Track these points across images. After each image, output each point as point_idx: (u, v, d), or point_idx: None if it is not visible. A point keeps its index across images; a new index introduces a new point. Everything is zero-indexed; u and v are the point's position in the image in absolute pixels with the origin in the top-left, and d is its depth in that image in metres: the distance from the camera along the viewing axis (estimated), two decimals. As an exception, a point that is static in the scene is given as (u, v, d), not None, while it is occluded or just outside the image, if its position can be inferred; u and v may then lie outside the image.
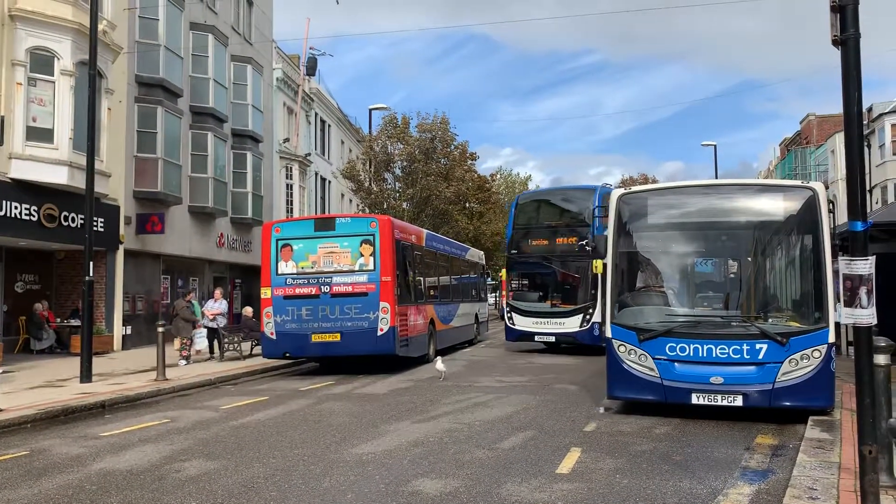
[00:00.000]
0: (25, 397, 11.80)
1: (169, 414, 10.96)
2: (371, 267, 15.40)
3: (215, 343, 18.71)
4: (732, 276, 11.18)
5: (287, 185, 32.84)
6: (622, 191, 10.86)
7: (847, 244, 5.57)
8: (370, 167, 34.42)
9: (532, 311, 20.17)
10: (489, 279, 26.54)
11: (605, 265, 17.61)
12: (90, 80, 14.50)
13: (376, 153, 33.75)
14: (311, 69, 34.92)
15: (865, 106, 40.94)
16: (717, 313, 10.27)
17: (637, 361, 9.86)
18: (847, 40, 5.14)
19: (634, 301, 10.65)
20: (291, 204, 32.85)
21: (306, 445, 8.45)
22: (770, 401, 9.25)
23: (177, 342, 17.70)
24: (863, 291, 5.07)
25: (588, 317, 19.11)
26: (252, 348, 18.92)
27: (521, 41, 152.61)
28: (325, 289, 15.42)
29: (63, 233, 18.45)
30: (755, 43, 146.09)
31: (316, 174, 36.59)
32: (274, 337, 15.60)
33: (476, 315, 24.86)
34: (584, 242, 19.18)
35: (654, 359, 9.72)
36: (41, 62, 17.45)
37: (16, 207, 17.02)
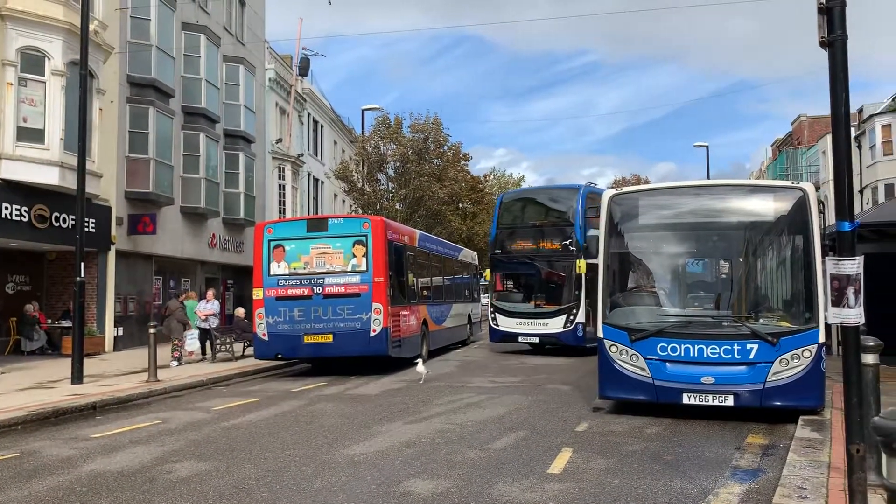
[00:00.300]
0: (16, 399, 11.76)
1: (160, 415, 10.93)
2: (364, 268, 15.39)
3: (207, 344, 18.66)
4: (723, 276, 11.23)
5: (279, 185, 32.78)
6: (613, 191, 10.88)
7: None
8: (363, 168, 34.39)
9: (516, 311, 19.93)
10: (482, 279, 26.42)
11: (589, 265, 17.82)
12: (81, 80, 14.45)
13: (369, 154, 33.74)
14: (304, 69, 34.88)
15: (856, 107, 41.16)
16: (708, 313, 10.32)
17: (628, 361, 9.89)
18: (834, 42, 5.18)
19: (626, 301, 10.68)
20: (284, 205, 32.80)
21: (298, 446, 8.45)
22: (761, 401, 9.29)
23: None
24: (850, 291, 5.10)
25: (572, 317, 18.87)
26: (244, 349, 18.87)
27: (515, 42, 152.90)
28: (318, 290, 15.39)
29: (54, 233, 18.38)
30: (748, 44, 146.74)
31: (308, 175, 36.55)
32: (266, 338, 15.56)
33: (469, 315, 24.87)
34: (568, 242, 19.07)
35: (645, 359, 9.75)
36: (32, 62, 17.39)
37: (6, 208, 16.95)
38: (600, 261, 10.50)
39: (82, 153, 14.23)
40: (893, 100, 38.20)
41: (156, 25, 22.42)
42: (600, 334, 10.27)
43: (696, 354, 9.50)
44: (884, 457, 3.20)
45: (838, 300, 5.14)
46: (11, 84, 16.97)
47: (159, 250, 23.45)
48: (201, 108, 25.12)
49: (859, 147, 38.84)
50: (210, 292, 19.69)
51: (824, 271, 6.38)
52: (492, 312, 20.39)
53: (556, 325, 19.07)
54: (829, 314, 5.27)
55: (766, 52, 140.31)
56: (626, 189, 11.31)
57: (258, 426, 9.84)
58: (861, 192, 38.02)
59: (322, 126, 40.42)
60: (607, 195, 10.69)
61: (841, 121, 5.21)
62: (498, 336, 20.23)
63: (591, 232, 18.68)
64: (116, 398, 12.17)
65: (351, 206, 37.15)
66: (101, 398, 11.95)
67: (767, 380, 9.21)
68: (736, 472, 7.14)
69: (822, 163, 44.23)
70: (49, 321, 20.42)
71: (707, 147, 43.91)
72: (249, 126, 28.75)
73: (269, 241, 15.81)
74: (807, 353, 9.15)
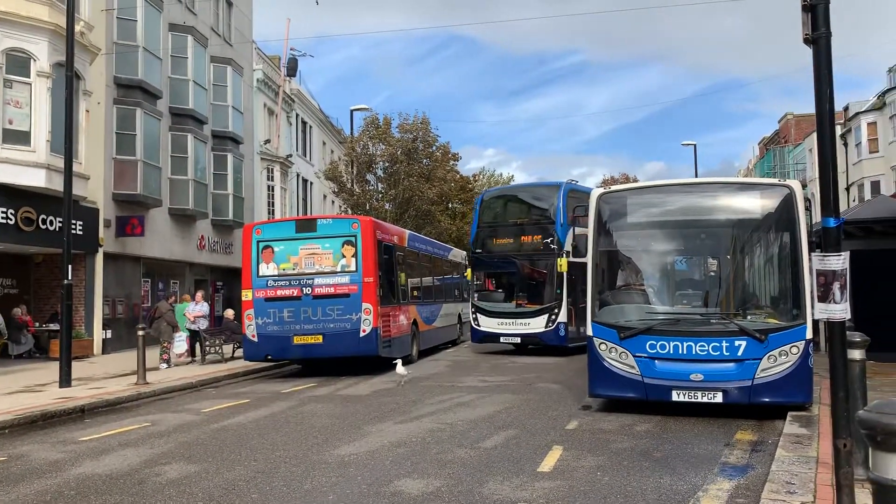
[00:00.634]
0: (3, 402, 11.67)
1: (149, 417, 10.88)
2: (353, 268, 15.37)
3: (197, 346, 18.59)
4: (712, 273, 11.28)
5: (268, 186, 32.68)
6: (602, 190, 10.93)
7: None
8: (352, 168, 34.35)
9: (497, 311, 19.60)
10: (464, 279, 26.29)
11: (571, 264, 17.81)
12: (67, 81, 14.36)
13: (358, 154, 33.70)
14: (292, 70, 34.80)
15: (841, 105, 41.27)
16: (697, 311, 10.35)
17: (618, 359, 9.92)
18: (818, 39, 5.21)
19: (615, 299, 10.72)
20: (273, 205, 32.70)
21: (288, 447, 8.43)
22: (749, 397, 9.34)
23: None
24: (836, 287, 5.13)
25: (554, 317, 18.55)
26: (234, 351, 18.82)
27: (504, 42, 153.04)
28: (307, 290, 15.36)
29: (41, 236, 18.26)
30: (735, 43, 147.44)
31: (297, 175, 36.46)
32: (255, 339, 15.52)
33: (459, 315, 24.87)
34: (549, 240, 18.81)
35: (634, 356, 9.79)
36: (17, 63, 17.26)
37: (-8, 211, 16.83)
38: (589, 259, 10.54)
39: (69, 155, 14.14)
40: (879, 97, 38.47)
41: (142, 26, 22.31)
42: (589, 332, 10.30)
43: (685, 352, 9.54)
44: (870, 450, 3.23)
45: (824, 296, 5.18)
46: (-4, 86, 16.85)
47: (148, 252, 23.33)
48: (189, 109, 25.00)
49: (845, 145, 39.11)
50: (199, 294, 19.62)
51: (811, 268, 6.43)
52: (473, 312, 20.09)
53: (537, 325, 18.78)
54: (816, 310, 5.30)
55: (754, 51, 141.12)
56: (614, 188, 11.35)
57: (248, 428, 9.81)
58: (847, 189, 38.30)
59: (311, 127, 40.34)
60: (595, 194, 10.73)
61: (825, 117, 5.25)
62: (479, 336, 19.97)
63: (573, 230, 18.54)
64: (105, 401, 12.10)
65: (340, 206, 37.10)
66: (89, 401, 11.88)
67: (756, 376, 9.27)
68: (725, 469, 7.18)
69: (809, 160, 44.53)
70: (36, 324, 20.28)
71: (695, 146, 44.31)
72: (238, 127, 28.65)
73: (258, 242, 15.77)
74: (794, 350, 9.21)
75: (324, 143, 43.12)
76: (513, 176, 59.99)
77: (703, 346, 9.47)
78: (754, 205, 10.18)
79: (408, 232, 20.56)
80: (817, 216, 9.12)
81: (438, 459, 7.64)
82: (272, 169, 32.79)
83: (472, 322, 20.13)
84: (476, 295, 20.38)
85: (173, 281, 25.62)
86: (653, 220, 10.70)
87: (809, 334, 9.29)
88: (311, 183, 39.09)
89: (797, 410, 9.29)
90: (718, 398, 9.43)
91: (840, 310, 5.17)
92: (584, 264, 17.89)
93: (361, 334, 15.15)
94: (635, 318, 10.13)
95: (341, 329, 15.19)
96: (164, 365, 16.99)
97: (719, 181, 11.20)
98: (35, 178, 17.41)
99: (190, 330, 18.46)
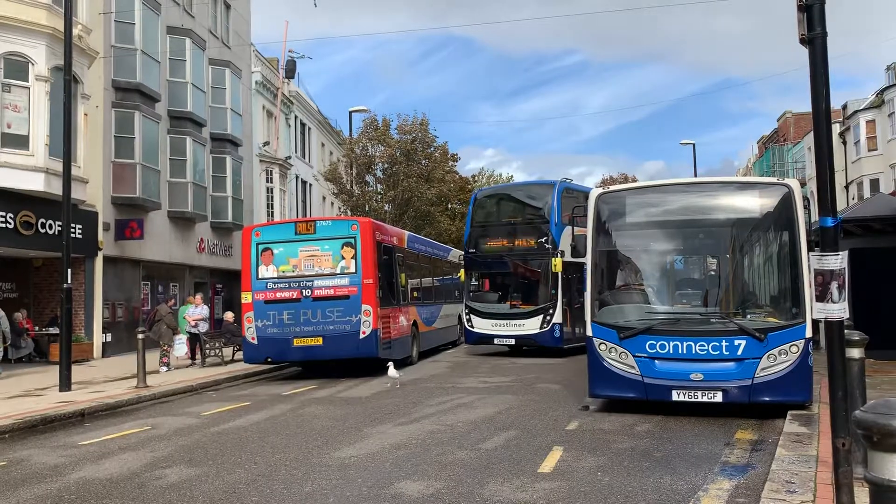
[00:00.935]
0: (3, 407, 11.66)
1: (150, 421, 10.88)
2: (352, 270, 15.37)
3: (197, 349, 18.58)
4: (711, 273, 11.30)
5: (267, 188, 32.68)
6: (601, 190, 10.93)
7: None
8: (351, 169, 34.34)
9: (491, 312, 19.30)
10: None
11: (565, 264, 17.73)
12: (66, 85, 14.36)
13: (357, 155, 33.69)
14: (290, 72, 34.81)
15: (840, 104, 41.24)
16: (697, 310, 10.37)
17: (618, 359, 9.93)
18: (814, 39, 5.22)
19: (614, 299, 10.73)
20: (272, 207, 32.69)
21: (288, 450, 8.43)
22: (749, 396, 9.35)
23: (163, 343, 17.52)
24: (834, 286, 5.13)
25: (548, 318, 18.28)
26: (234, 353, 18.81)
27: (503, 43, 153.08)
28: (307, 292, 15.36)
29: (40, 240, 18.25)
30: (735, 42, 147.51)
31: (297, 177, 36.46)
32: (255, 342, 15.51)
33: (459, 316, 24.82)
34: (543, 240, 18.55)
35: (634, 356, 9.79)
36: (15, 68, 17.27)
37: (-9, 215, 16.82)
38: (588, 259, 10.54)
39: (67, 159, 14.13)
40: (877, 95, 38.47)
41: (140, 29, 22.30)
42: (589, 332, 10.30)
43: (684, 351, 9.55)
44: (867, 450, 3.23)
45: (822, 295, 5.18)
46: (-5, 90, 16.85)
47: (147, 255, 23.32)
48: (187, 111, 25.00)
49: (844, 143, 39.11)
50: (198, 297, 19.61)
51: (810, 267, 6.43)
52: (467, 313, 19.81)
53: (532, 326, 18.50)
54: (814, 309, 5.30)
55: (753, 50, 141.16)
56: (613, 188, 11.36)
57: (248, 430, 9.81)
58: (847, 187, 38.30)
59: (309, 128, 40.34)
60: (594, 194, 10.73)
61: (822, 116, 5.26)
62: (473, 338, 19.69)
63: (568, 229, 18.27)
64: (105, 405, 12.10)
65: (340, 208, 37.10)
66: (89, 405, 11.87)
67: (756, 376, 9.27)
68: (725, 468, 7.18)
69: (808, 159, 44.51)
70: (36, 328, 20.27)
71: (693, 145, 44.33)
72: (236, 129, 28.65)
73: (258, 244, 15.77)
74: (794, 349, 9.22)
75: (323, 145, 43.12)
76: (512, 176, 59.96)
77: (703, 345, 9.47)
78: (753, 204, 10.20)
79: (407, 233, 20.55)
80: (816, 215, 9.14)
81: (439, 461, 7.64)
82: (271, 171, 32.78)
83: (466, 323, 19.85)
84: (470, 296, 20.08)
85: (173, 284, 25.61)
86: (652, 220, 10.71)
87: (809, 333, 9.30)
88: (311, 185, 39.08)
89: (797, 409, 9.28)
90: (718, 397, 9.43)
91: (838, 309, 5.18)
92: (579, 264, 17.91)
93: (361, 336, 15.15)
94: (635, 318, 10.13)
95: (341, 331, 15.18)
96: (164, 368, 16.98)
97: (718, 180, 11.23)
98: (34, 182, 17.41)
99: (190, 333, 18.46)
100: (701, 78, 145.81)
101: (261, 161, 32.15)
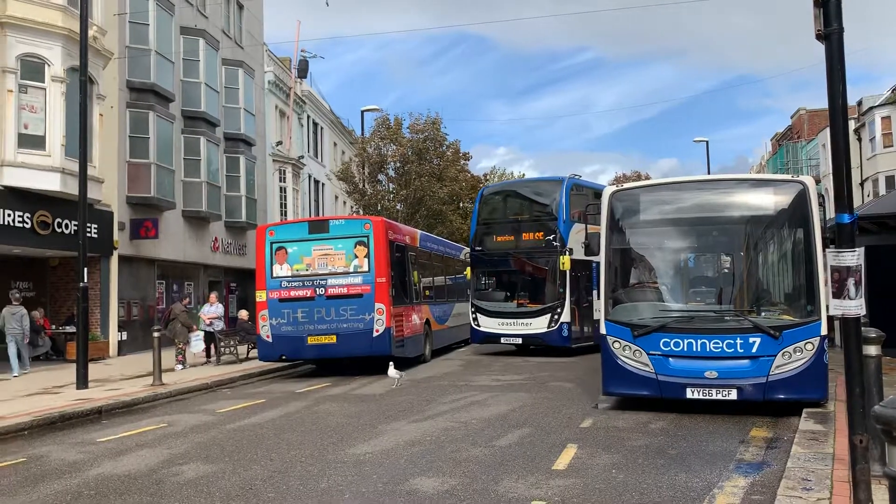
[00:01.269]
0: (22, 404, 11.79)
1: (166, 418, 10.97)
2: (365, 268, 15.43)
3: (212, 347, 18.70)
4: (725, 270, 11.25)
5: (280, 187, 32.83)
6: (614, 188, 10.93)
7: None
8: (364, 169, 34.43)
9: (497, 311, 18.96)
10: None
11: (574, 262, 17.61)
12: (81, 86, 14.49)
13: (369, 155, 33.77)
14: (303, 72, 34.92)
15: (856, 100, 40.89)
16: (711, 308, 10.34)
17: (632, 357, 9.92)
18: (830, 35, 5.21)
19: (628, 297, 10.71)
20: (285, 207, 32.83)
21: (304, 447, 8.48)
22: (764, 394, 9.31)
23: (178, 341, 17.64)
24: (850, 283, 5.12)
25: (556, 316, 17.97)
26: (248, 351, 18.93)
27: (514, 40, 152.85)
28: (321, 291, 15.43)
29: (57, 240, 18.42)
30: (748, 38, 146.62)
31: (309, 177, 36.60)
32: (270, 340, 15.61)
33: (472, 314, 24.83)
34: (551, 237, 18.26)
35: (648, 354, 9.78)
36: (32, 69, 17.42)
37: (9, 215, 16.98)
38: (602, 257, 10.54)
39: (83, 159, 14.27)
40: (893, 92, 38.15)
41: (154, 30, 22.46)
42: (603, 330, 10.30)
43: (699, 349, 9.53)
44: (886, 445, 3.23)
45: (839, 292, 5.17)
46: (12, 91, 17.01)
47: (162, 254, 23.49)
48: (201, 111, 25.15)
49: (859, 139, 38.82)
50: (213, 295, 19.76)
51: (825, 264, 6.41)
52: (473, 312, 19.47)
53: (539, 325, 18.19)
54: (831, 306, 5.29)
55: (767, 47, 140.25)
56: (626, 185, 11.34)
57: (264, 427, 9.88)
58: (862, 184, 38.00)
59: (322, 128, 40.47)
60: (608, 192, 10.73)
61: (838, 113, 5.24)
62: (479, 337, 19.41)
63: (576, 226, 18.16)
64: (122, 402, 12.21)
65: (352, 207, 37.20)
66: (106, 402, 11.99)
67: (770, 373, 9.24)
68: (740, 466, 7.17)
69: (823, 156, 44.20)
70: (53, 327, 20.47)
71: (707, 142, 43.99)
72: (249, 129, 28.80)
73: (272, 243, 15.86)
74: (809, 346, 9.18)
75: (335, 145, 43.24)
76: (524, 174, 59.81)
77: (718, 343, 9.45)
78: (767, 201, 10.17)
79: (419, 232, 20.58)
80: (831, 212, 9.10)
81: (453, 458, 7.67)
82: (284, 170, 32.92)
83: (472, 322, 19.53)
84: (476, 294, 19.77)
85: (187, 283, 25.78)
86: (666, 218, 10.68)
87: (824, 330, 9.25)
88: (323, 184, 39.21)
89: (812, 407, 9.25)
90: (733, 395, 9.40)
91: (855, 306, 5.17)
92: (587, 262, 17.94)
93: (374, 334, 15.21)
94: (649, 316, 10.12)
95: (354, 329, 15.25)
96: (180, 366, 17.11)
97: (732, 178, 11.21)
98: (50, 182, 17.57)
99: (205, 331, 18.59)
100: (715, 75, 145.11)
101: (274, 161, 32.29)
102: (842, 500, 5.46)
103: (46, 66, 17.57)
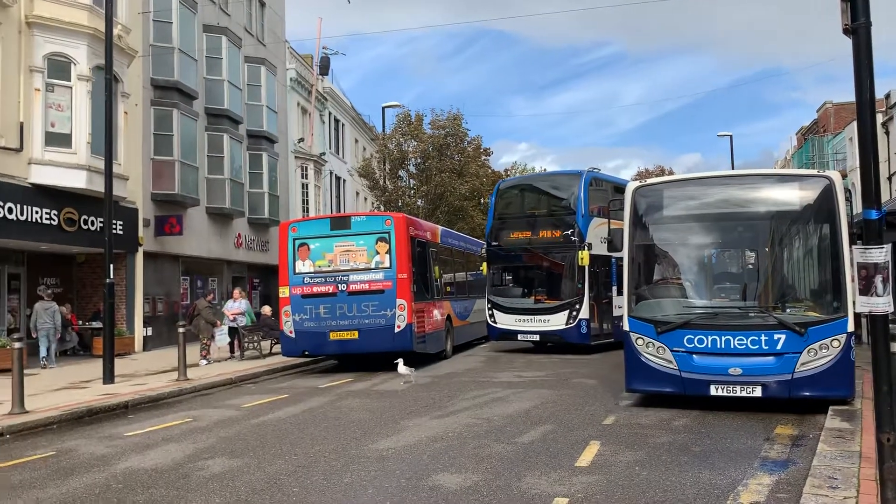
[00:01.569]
0: (50, 399, 12.00)
1: (191, 413, 11.10)
2: (387, 264, 15.49)
3: (235, 342, 18.88)
4: (750, 266, 11.14)
5: (302, 184, 33.03)
6: (637, 184, 10.86)
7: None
8: (385, 165, 34.52)
9: (514, 307, 18.66)
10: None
11: (592, 257, 17.44)
12: (107, 84, 14.66)
13: (391, 151, 33.85)
14: (324, 69, 35.05)
15: (884, 93, 40.24)
16: (735, 304, 10.25)
17: (655, 354, 9.87)
18: (858, 29, 5.14)
19: (652, 294, 10.65)
20: (307, 203, 33.04)
21: (327, 442, 8.54)
22: (789, 391, 9.23)
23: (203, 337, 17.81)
24: (878, 279, 5.06)
25: (574, 313, 17.65)
26: (271, 347, 19.09)
27: (535, 35, 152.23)
28: (343, 287, 15.52)
29: (83, 236, 18.69)
30: (773, 31, 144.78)
31: (331, 173, 36.77)
32: (293, 335, 15.73)
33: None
34: (570, 232, 17.94)
35: (672, 351, 9.73)
36: (58, 68, 17.67)
37: (36, 212, 17.26)
38: (625, 253, 10.50)
39: (109, 156, 14.44)
40: (921, 84, 37.47)
41: (178, 28, 22.67)
42: (626, 327, 10.26)
43: (723, 346, 9.46)
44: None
45: (866, 289, 5.11)
46: (39, 90, 17.27)
47: (186, 251, 23.75)
48: (224, 109, 25.36)
49: (887, 133, 38.16)
50: (237, 291, 19.94)
51: (852, 260, 6.34)
52: (489, 308, 19.19)
53: (557, 322, 17.86)
54: (858, 303, 5.23)
55: (792, 40, 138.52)
56: (649, 181, 11.27)
57: (287, 422, 9.96)
58: (890, 179, 37.38)
59: (343, 125, 40.62)
60: (631, 187, 10.68)
61: (866, 107, 5.18)
62: (496, 333, 19.15)
63: (595, 221, 17.90)
64: (148, 397, 12.37)
65: (373, 203, 37.32)
66: (132, 397, 12.15)
67: (796, 370, 9.15)
68: (765, 463, 7.11)
69: (849, 150, 43.57)
70: (80, 322, 20.77)
71: (731, 136, 43.59)
72: (272, 126, 28.99)
73: (294, 239, 15.97)
74: (836, 343, 9.07)
75: (356, 141, 43.39)
76: (545, 169, 59.62)
77: (742, 339, 9.37)
78: (793, 196, 10.05)
79: (440, 228, 20.60)
80: (858, 207, 8.99)
81: (476, 454, 7.69)
82: (306, 167, 33.11)
83: (489, 318, 19.26)
84: (492, 290, 19.46)
85: (211, 279, 26.05)
86: (690, 213, 10.60)
87: (851, 327, 9.14)
88: (344, 180, 39.38)
89: (839, 405, 9.15)
90: (757, 392, 9.33)
91: (883, 303, 5.10)
92: (607, 257, 17.78)
93: (396, 330, 15.26)
94: (672, 313, 10.06)
95: (376, 325, 15.32)
96: (204, 361, 17.30)
97: (757, 173, 11.04)
98: (77, 180, 17.82)
99: (229, 327, 18.77)
100: (739, 68, 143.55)
101: (296, 157, 32.48)
102: (869, 499, 5.40)
103: (72, 64, 17.81)
